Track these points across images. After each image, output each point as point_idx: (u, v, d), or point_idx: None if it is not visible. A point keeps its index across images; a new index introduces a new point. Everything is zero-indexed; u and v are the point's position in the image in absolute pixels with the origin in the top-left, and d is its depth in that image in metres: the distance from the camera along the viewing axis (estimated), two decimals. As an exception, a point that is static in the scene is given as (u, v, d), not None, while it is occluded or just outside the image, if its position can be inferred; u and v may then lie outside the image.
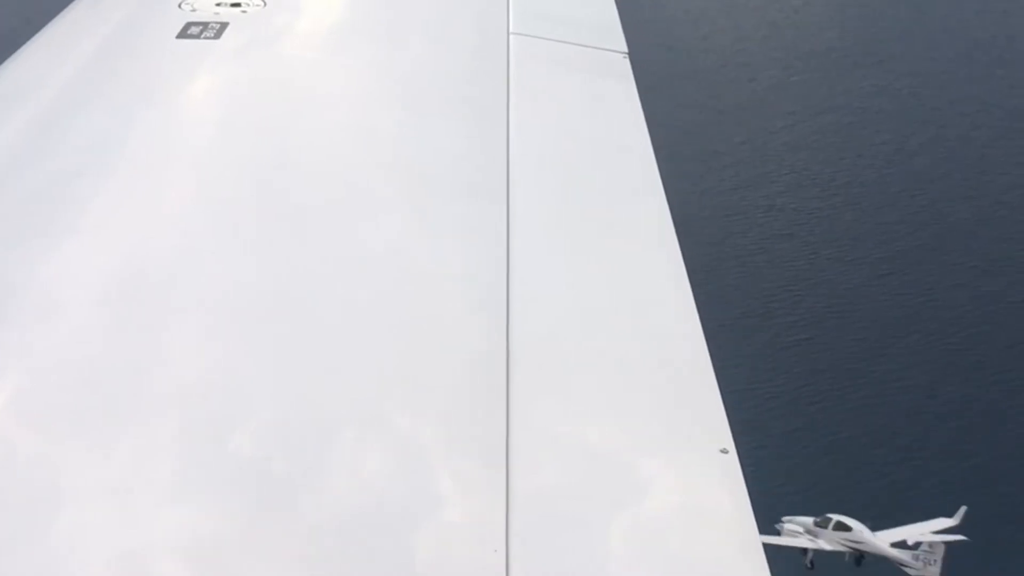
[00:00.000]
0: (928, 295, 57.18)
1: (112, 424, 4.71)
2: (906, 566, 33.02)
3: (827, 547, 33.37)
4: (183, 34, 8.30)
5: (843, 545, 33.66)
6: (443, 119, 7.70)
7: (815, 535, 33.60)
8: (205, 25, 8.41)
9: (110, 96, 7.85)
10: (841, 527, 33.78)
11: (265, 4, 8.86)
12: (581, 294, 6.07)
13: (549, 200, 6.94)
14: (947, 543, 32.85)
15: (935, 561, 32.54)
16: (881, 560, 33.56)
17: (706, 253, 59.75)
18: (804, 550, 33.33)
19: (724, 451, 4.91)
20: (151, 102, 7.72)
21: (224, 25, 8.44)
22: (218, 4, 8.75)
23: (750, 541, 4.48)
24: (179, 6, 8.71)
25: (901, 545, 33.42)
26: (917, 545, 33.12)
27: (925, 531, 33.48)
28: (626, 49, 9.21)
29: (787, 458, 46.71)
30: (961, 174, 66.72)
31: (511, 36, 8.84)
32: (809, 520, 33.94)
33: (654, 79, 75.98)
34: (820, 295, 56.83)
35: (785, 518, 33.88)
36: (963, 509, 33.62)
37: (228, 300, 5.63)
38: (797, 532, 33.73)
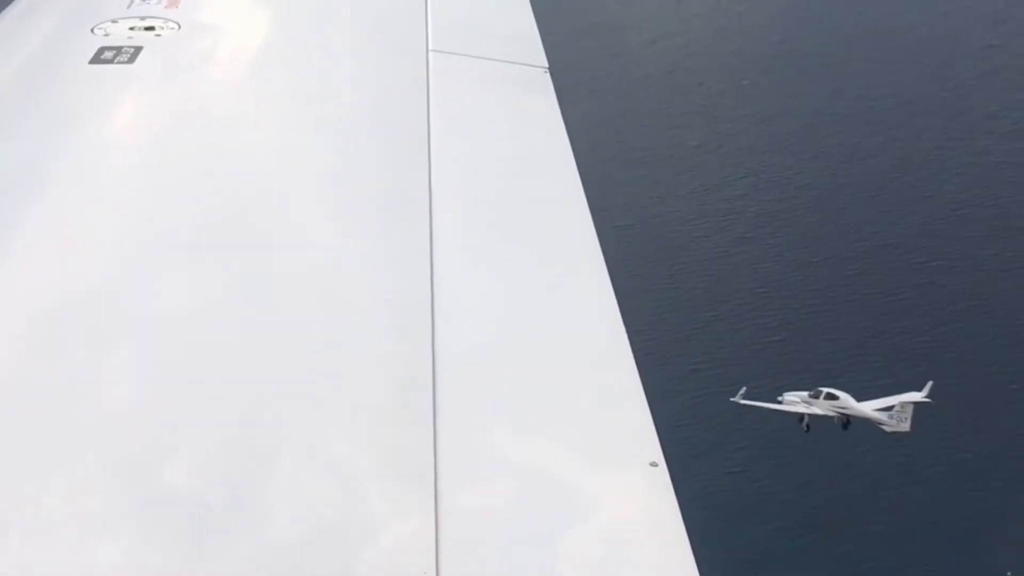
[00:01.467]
0: (895, 294, 58.29)
1: (37, 456, 4.72)
2: (883, 424, 40.74)
3: (820, 412, 41.00)
4: (96, 59, 8.25)
5: (832, 411, 41.25)
6: (363, 139, 7.80)
7: (809, 404, 41.28)
8: (119, 50, 8.36)
9: (22, 124, 7.84)
10: (831, 397, 41.44)
11: (179, 27, 8.83)
12: (506, 311, 6.19)
13: (472, 218, 7.05)
14: (915, 403, 40.81)
15: (905, 419, 40.34)
16: (863, 422, 41.10)
17: (669, 258, 60.57)
18: (801, 416, 41.17)
19: (654, 464, 4.99)
20: (65, 129, 7.69)
21: (138, 49, 8.39)
22: (132, 28, 8.69)
23: (682, 554, 4.52)
24: (92, 31, 8.67)
25: (880, 409, 41.01)
26: (891, 408, 40.74)
27: (902, 398, 41.18)
28: (546, 64, 9.31)
29: (766, 460, 47.50)
30: (916, 175, 68.10)
31: (430, 53, 8.94)
32: (804, 393, 41.54)
33: (602, 85, 76.95)
34: (788, 297, 57.70)
35: (786, 393, 41.67)
36: (930, 383, 41.50)
37: (150, 327, 5.64)
38: (795, 402, 41.39)
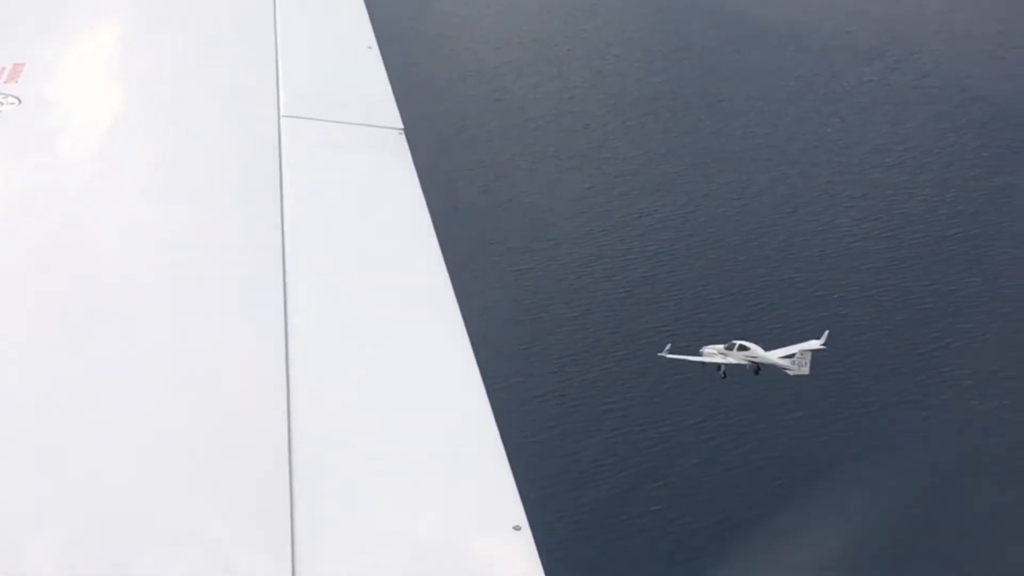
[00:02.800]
0: (795, 328, 59.23)
1: None
2: (787, 369, 47.52)
3: (734, 361, 47.82)
4: None
5: (745, 360, 47.96)
6: (214, 211, 7.85)
7: (725, 355, 47.94)
8: None
9: None
10: (743, 348, 48.04)
11: (20, 101, 8.73)
12: (364, 382, 6.33)
13: (328, 289, 7.18)
14: (813, 351, 47.98)
15: (805, 363, 47.33)
16: (770, 367, 47.93)
17: (574, 303, 60.79)
18: (718, 365, 47.99)
19: (517, 528, 5.23)
20: None
21: None
22: None
23: None
24: None
25: (784, 357, 47.63)
26: (793, 355, 47.48)
27: (803, 347, 48.20)
28: (401, 125, 9.62)
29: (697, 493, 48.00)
30: (808, 210, 69.62)
31: (282, 119, 9.10)
32: (721, 345, 48.28)
33: (486, 131, 77.41)
34: (692, 334, 58.25)
35: (705, 346, 48.58)
36: (827, 332, 49.18)
37: (6, 410, 5.59)
38: (713, 354, 48.04)
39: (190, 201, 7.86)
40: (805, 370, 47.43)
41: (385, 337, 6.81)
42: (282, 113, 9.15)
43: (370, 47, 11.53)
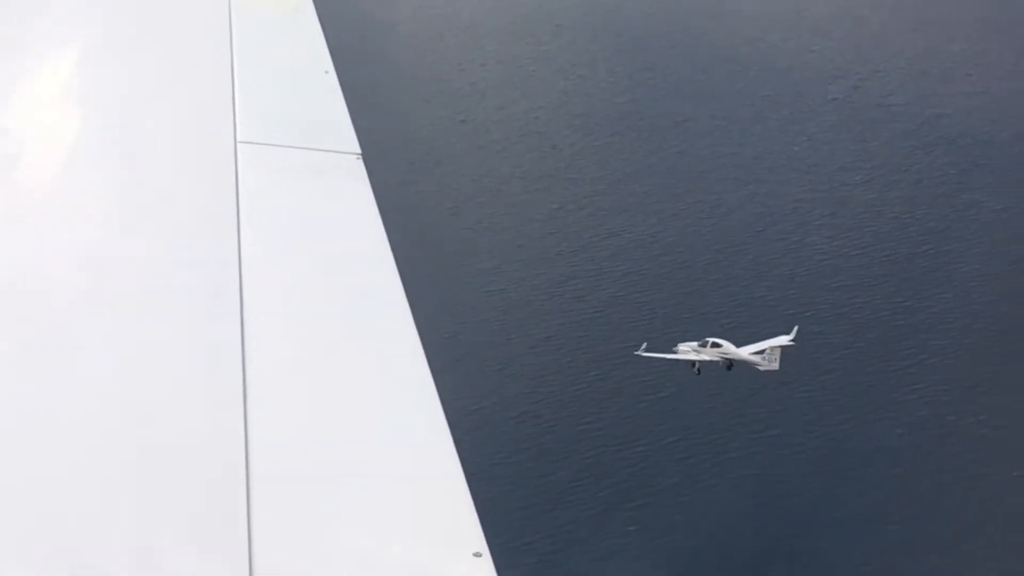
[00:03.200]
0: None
1: None
2: (758, 365, 49.24)
3: (707, 358, 49.41)
4: None
5: (718, 357, 49.60)
6: (170, 240, 7.79)
7: (699, 352, 49.53)
8: None
9: None
10: (716, 345, 49.75)
11: None
12: (323, 409, 6.24)
13: (285, 316, 7.13)
14: (782, 347, 49.61)
15: (775, 359, 48.96)
16: (743, 364, 49.52)
17: (545, 324, 60.68)
18: (693, 362, 49.52)
19: (478, 554, 5.19)
20: None
21: None
22: None
23: None
24: None
25: (755, 353, 49.35)
26: (763, 351, 49.09)
27: (773, 343, 49.89)
28: (359, 150, 9.58)
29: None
30: (779, 227, 69.91)
31: (239, 145, 9.03)
32: (695, 343, 49.86)
33: (452, 153, 77.36)
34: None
35: (679, 344, 49.94)
36: (796, 328, 51.16)
37: None
38: (687, 351, 49.58)
39: (146, 229, 7.84)
40: (775, 366, 49.30)
41: (344, 366, 6.67)
42: (238, 139, 9.07)
43: (327, 71, 11.62)
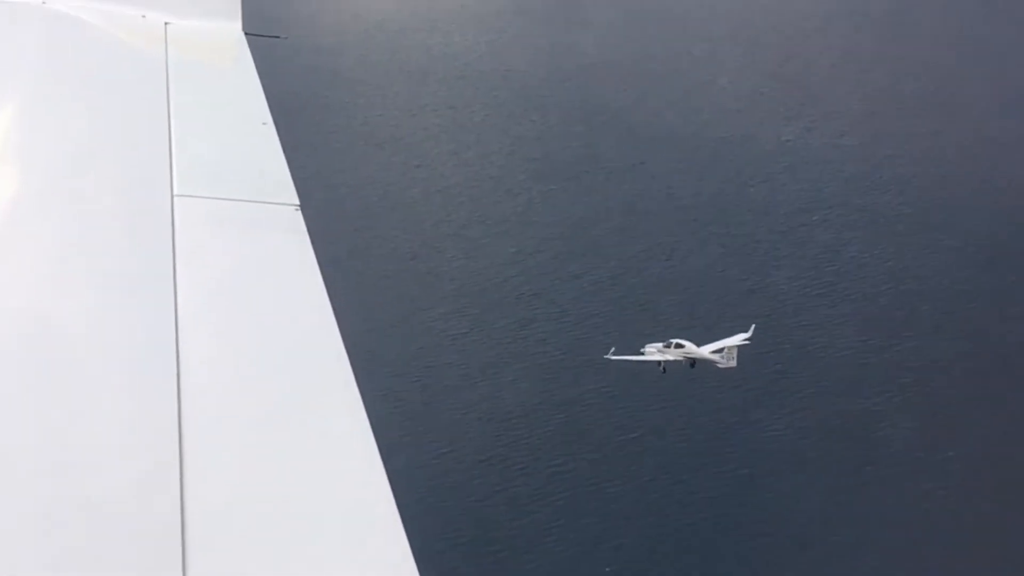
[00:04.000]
0: (737, 387, 59.82)
1: None
2: (717, 363, 52.34)
3: (671, 358, 52.29)
4: None
5: (681, 356, 52.46)
6: (105, 296, 7.82)
7: (664, 352, 52.35)
8: None
9: None
10: (679, 346, 52.65)
11: None
12: (260, 464, 6.31)
13: (222, 372, 7.17)
14: (739, 346, 52.88)
15: (732, 357, 52.10)
16: (704, 362, 52.49)
17: (509, 367, 60.74)
18: (659, 362, 52.37)
19: None
20: None
21: None
22: None
23: None
24: None
25: (714, 351, 52.54)
26: (722, 350, 52.24)
27: (731, 342, 53.09)
28: (297, 202, 9.71)
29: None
30: (740, 268, 70.52)
31: (175, 199, 9.08)
32: (660, 344, 52.65)
33: (408, 198, 77.53)
34: (634, 400, 58.57)
35: (646, 345, 52.75)
36: (753, 327, 54.55)
37: None
38: (653, 352, 52.40)
39: (81, 284, 7.84)
40: (733, 363, 52.46)
41: (281, 421, 6.72)
42: (175, 192, 9.15)
43: (265, 123, 11.67)
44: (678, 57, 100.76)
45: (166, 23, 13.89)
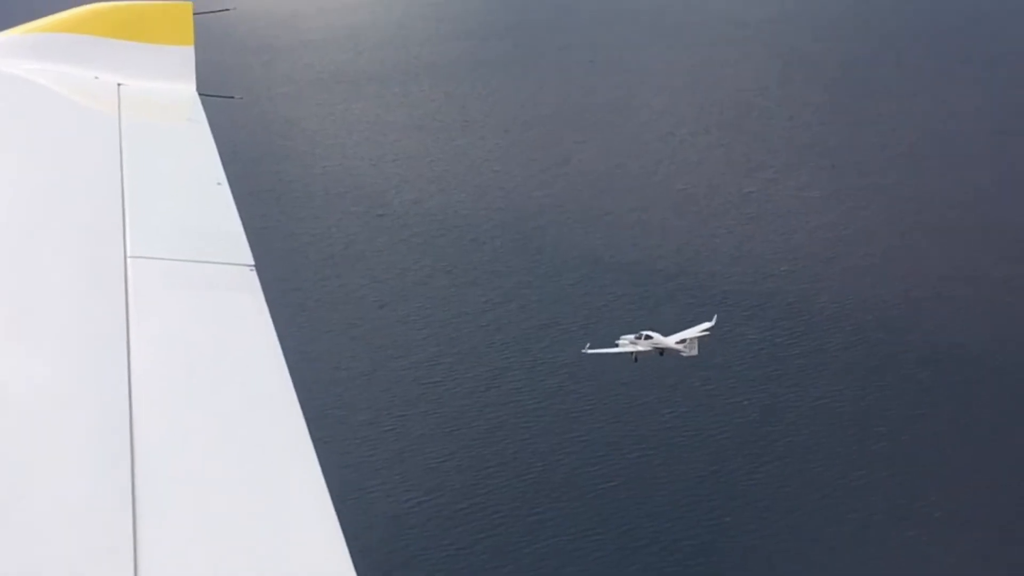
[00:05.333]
0: (716, 439, 60.32)
1: None
2: (681, 352, 56.00)
3: (643, 349, 55.90)
4: None
5: (651, 347, 55.95)
6: (58, 357, 7.88)
7: (635, 344, 56.03)
8: None
9: None
10: (648, 337, 56.40)
11: None
12: (216, 529, 6.37)
13: (177, 436, 7.21)
14: (700, 337, 56.72)
15: (694, 347, 55.86)
16: (671, 351, 56.07)
17: (484, 417, 60.85)
18: (632, 353, 56.12)
19: None
20: None
21: None
22: None
23: None
24: None
25: (679, 342, 56.42)
26: (685, 340, 56.24)
27: (696, 331, 57.37)
28: (252, 261, 9.85)
29: None
30: (704, 318, 71.10)
31: (129, 260, 9.20)
32: (632, 336, 56.44)
33: (374, 247, 77.68)
34: (607, 452, 58.87)
35: (620, 337, 56.49)
36: (716, 317, 60.01)
37: None
38: (626, 343, 56.22)
39: (33, 346, 7.85)
40: (694, 352, 56.45)
41: (237, 485, 6.79)
42: (128, 254, 9.29)
43: (219, 183, 11.75)
44: (638, 109, 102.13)
45: (119, 84, 14.05)
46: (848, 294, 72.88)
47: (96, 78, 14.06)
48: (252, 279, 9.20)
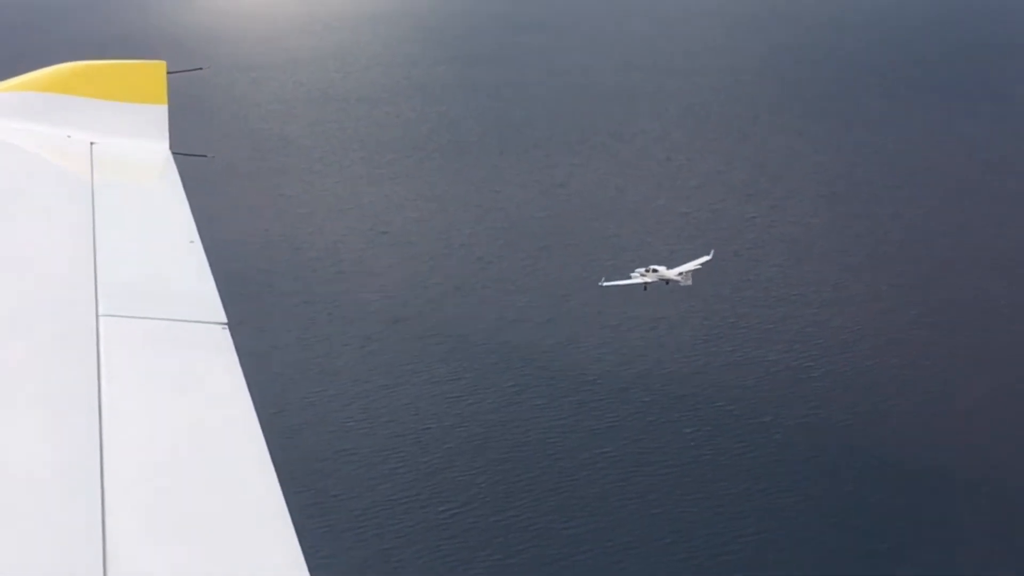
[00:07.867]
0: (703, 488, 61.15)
1: None
2: (679, 282, 67.49)
3: (651, 280, 67.55)
4: None
5: (657, 278, 67.22)
6: (28, 417, 7.96)
7: (644, 276, 67.49)
8: None
9: None
10: (655, 270, 68.00)
11: None
12: None
13: (147, 494, 7.34)
14: (694, 269, 69.14)
15: (689, 278, 67.88)
16: (673, 281, 67.53)
17: (509, 435, 61.37)
18: (643, 284, 67.35)
19: None
20: None
21: None
22: None
23: None
24: None
25: (679, 273, 68.44)
26: (683, 272, 68.31)
27: (692, 265, 69.56)
28: (225, 319, 9.94)
29: None
30: (715, 345, 72.28)
31: (100, 319, 9.34)
32: (642, 269, 68.09)
33: (382, 264, 78.36)
34: (606, 470, 59.56)
35: (635, 270, 68.09)
36: (713, 251, 72.69)
37: None
38: (637, 276, 67.43)
39: (4, 407, 7.90)
40: (689, 282, 68.55)
41: (209, 545, 6.84)
42: (100, 312, 9.27)
43: (192, 241, 11.82)
44: (633, 136, 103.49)
45: (92, 143, 14.09)
46: (859, 322, 73.98)
47: (69, 137, 14.15)
48: (224, 337, 9.24)
